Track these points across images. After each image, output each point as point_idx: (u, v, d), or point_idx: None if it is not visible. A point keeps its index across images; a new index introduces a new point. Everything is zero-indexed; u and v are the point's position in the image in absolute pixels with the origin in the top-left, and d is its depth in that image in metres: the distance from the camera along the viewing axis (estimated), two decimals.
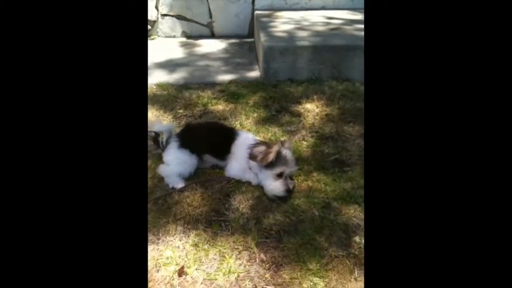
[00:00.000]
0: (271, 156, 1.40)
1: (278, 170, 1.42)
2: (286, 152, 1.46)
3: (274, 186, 1.42)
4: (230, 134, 1.60)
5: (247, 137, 1.58)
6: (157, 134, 1.62)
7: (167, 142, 1.61)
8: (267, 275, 1.16)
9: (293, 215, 1.38)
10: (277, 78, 2.42)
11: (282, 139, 1.54)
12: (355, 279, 1.15)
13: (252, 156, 1.45)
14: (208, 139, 1.60)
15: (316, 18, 3.03)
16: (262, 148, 1.44)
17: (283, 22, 2.89)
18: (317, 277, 1.15)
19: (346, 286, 1.13)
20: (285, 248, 1.25)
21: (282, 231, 1.31)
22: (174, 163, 1.56)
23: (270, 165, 1.42)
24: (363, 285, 1.13)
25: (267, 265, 1.19)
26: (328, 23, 2.89)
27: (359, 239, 1.28)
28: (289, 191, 1.43)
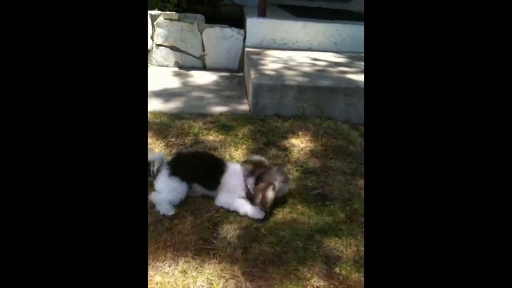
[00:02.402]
0: (269, 202, 1.55)
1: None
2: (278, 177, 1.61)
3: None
4: (219, 165, 1.69)
5: (236, 169, 1.67)
6: (148, 163, 1.69)
7: (158, 171, 1.67)
8: None
9: (278, 246, 1.45)
10: (265, 113, 2.57)
11: (276, 168, 1.67)
12: None
13: (255, 198, 1.57)
14: (198, 170, 1.68)
15: (303, 58, 3.25)
16: (263, 192, 1.55)
17: (272, 61, 3.08)
18: None
19: None
20: (270, 278, 1.31)
21: (267, 261, 1.38)
22: (165, 191, 1.62)
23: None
24: None
25: None
26: (313, 64, 3.11)
27: (339, 271, 1.36)
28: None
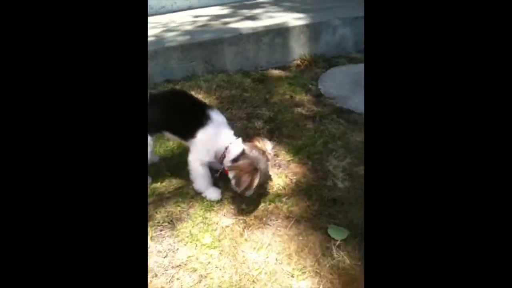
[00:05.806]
0: (253, 185, 1.33)
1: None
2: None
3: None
4: (199, 113, 1.41)
5: (219, 126, 1.40)
6: None
7: None
8: (165, 262, 1.22)
9: (183, 203, 1.46)
10: (154, 81, 2.45)
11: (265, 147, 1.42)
12: (246, 239, 1.29)
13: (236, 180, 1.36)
14: (171, 114, 1.42)
15: (184, 18, 3.12)
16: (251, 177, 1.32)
17: (150, 27, 2.91)
18: (211, 248, 1.26)
19: (238, 248, 1.26)
20: (179, 234, 1.32)
21: (174, 220, 1.38)
22: None
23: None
24: (253, 244, 1.27)
25: (164, 254, 1.25)
26: (195, 22, 3.02)
27: (245, 206, 1.42)
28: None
